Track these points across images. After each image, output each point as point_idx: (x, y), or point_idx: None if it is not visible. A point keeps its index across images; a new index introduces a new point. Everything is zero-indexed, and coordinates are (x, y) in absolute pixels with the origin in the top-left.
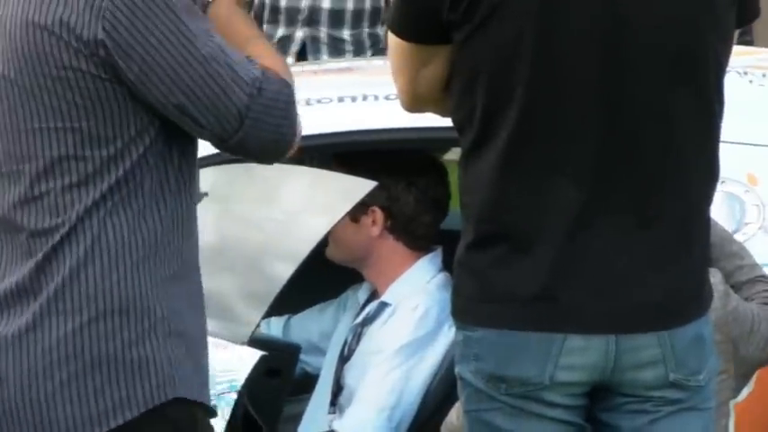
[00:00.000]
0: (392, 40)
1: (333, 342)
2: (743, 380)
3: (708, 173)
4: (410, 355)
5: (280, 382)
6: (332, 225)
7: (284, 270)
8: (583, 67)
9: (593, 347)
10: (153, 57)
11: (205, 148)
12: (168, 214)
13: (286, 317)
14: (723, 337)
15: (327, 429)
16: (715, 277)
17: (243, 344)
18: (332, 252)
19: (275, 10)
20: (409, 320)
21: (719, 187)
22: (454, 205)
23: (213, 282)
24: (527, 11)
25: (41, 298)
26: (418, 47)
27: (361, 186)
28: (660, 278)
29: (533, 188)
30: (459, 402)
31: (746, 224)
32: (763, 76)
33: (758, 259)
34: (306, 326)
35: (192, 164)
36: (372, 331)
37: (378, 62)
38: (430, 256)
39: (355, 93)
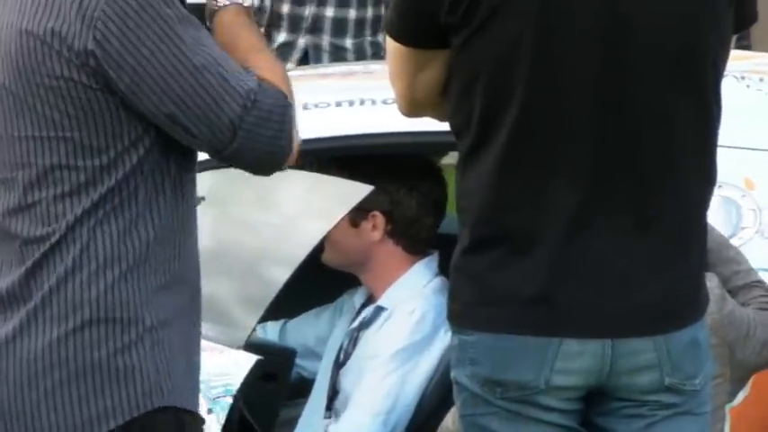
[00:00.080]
0: (390, 44)
1: (329, 347)
2: (739, 384)
3: (705, 176)
4: (406, 359)
5: (275, 387)
6: (330, 230)
7: (280, 274)
8: (583, 68)
9: (588, 352)
10: (144, 67)
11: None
12: (162, 223)
13: (282, 321)
14: (719, 341)
15: None
16: (711, 281)
17: (239, 348)
18: (329, 257)
19: (278, 16)
20: (405, 325)
21: (716, 191)
22: (450, 210)
23: (209, 286)
24: (527, 12)
25: (29, 305)
26: (416, 51)
27: (360, 191)
28: (657, 282)
29: (532, 190)
30: (455, 407)
31: (743, 228)
32: (761, 80)
33: (754, 263)
34: (302, 330)
35: (190, 173)
36: (368, 335)
37: (375, 66)
38: (426, 260)
39: (353, 97)
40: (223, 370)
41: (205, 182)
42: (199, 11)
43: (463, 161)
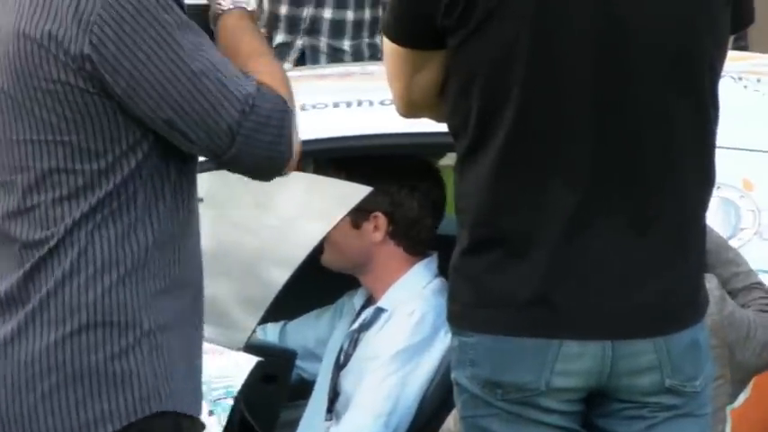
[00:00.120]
0: (387, 45)
1: (329, 348)
2: (739, 385)
3: (704, 177)
4: (406, 360)
5: (276, 388)
6: (331, 232)
7: (280, 276)
8: (580, 69)
9: (589, 353)
10: (140, 71)
11: None
12: (162, 228)
13: (282, 323)
14: (719, 342)
15: None
16: (711, 282)
17: (239, 350)
18: (329, 259)
19: (275, 17)
20: (405, 326)
21: (715, 192)
22: (449, 211)
23: (209, 287)
24: (523, 14)
25: (27, 308)
26: (413, 52)
27: (360, 192)
28: (657, 282)
29: (529, 191)
30: (456, 408)
31: (742, 230)
32: (758, 81)
33: (753, 265)
34: (302, 332)
35: (190, 178)
36: (369, 337)
37: (373, 68)
38: (426, 261)
39: (350, 98)
40: (224, 372)
41: (204, 183)
42: (200, 13)
43: (461, 162)
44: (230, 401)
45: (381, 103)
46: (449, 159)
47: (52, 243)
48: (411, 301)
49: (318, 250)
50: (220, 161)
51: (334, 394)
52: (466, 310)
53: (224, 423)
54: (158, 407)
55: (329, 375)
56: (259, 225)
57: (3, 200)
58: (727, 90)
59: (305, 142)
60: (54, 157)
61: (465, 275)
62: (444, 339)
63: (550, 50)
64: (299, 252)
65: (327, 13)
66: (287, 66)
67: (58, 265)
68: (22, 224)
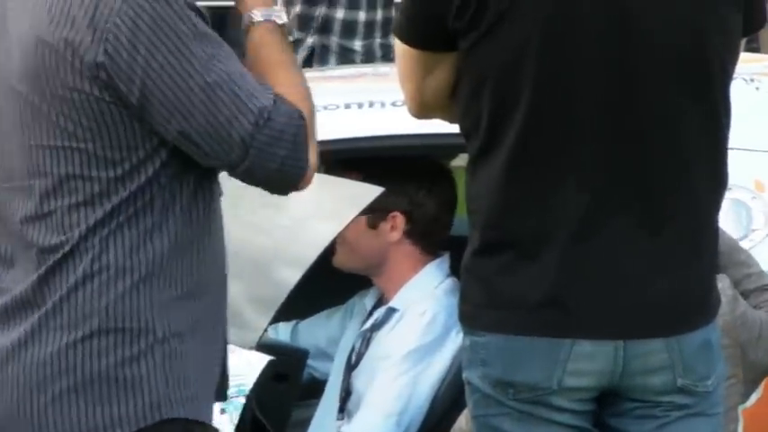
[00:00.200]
0: (399, 47)
1: (340, 348)
2: (752, 385)
3: (716, 179)
4: (418, 360)
5: (287, 387)
6: (346, 232)
7: (292, 275)
8: (591, 71)
9: (601, 353)
10: (154, 81)
11: None
12: (180, 233)
13: (294, 322)
14: (731, 342)
15: None
16: (723, 282)
17: (251, 349)
18: (342, 260)
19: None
20: (417, 326)
21: (726, 194)
22: (461, 212)
23: None
24: (534, 16)
25: (40, 311)
26: (425, 54)
27: (373, 193)
28: (668, 284)
29: (540, 193)
30: (467, 408)
31: (754, 231)
32: None
33: (765, 265)
34: (313, 331)
35: (212, 180)
36: (380, 337)
37: (385, 69)
38: (437, 261)
39: (362, 99)
40: (236, 370)
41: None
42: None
43: (472, 164)
44: (242, 400)
45: (393, 104)
46: (460, 160)
47: (67, 248)
48: (423, 301)
49: (329, 251)
50: (235, 174)
51: (346, 394)
52: (477, 311)
53: (236, 422)
54: (168, 413)
55: (341, 375)
56: (272, 225)
57: (21, 204)
58: (739, 91)
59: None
60: (71, 163)
61: (476, 276)
62: (456, 339)
63: (561, 52)
64: (310, 252)
65: (340, 14)
66: None
67: (73, 270)
68: (39, 229)
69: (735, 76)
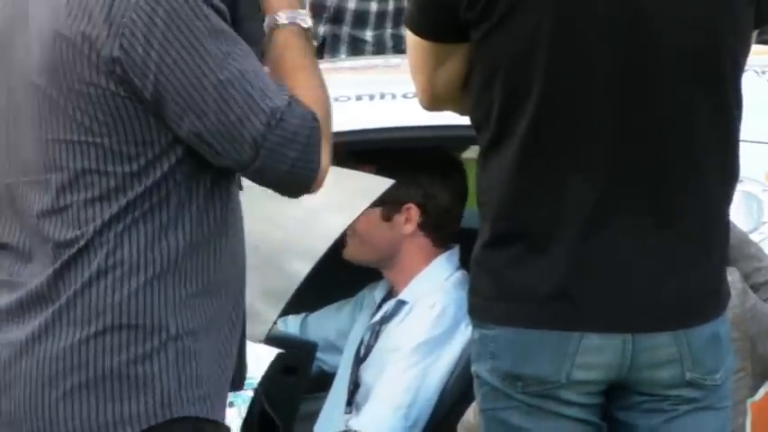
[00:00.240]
0: (411, 38)
1: (350, 340)
2: (760, 379)
3: (728, 173)
4: (427, 353)
5: (296, 380)
6: (358, 225)
7: (302, 268)
8: (602, 64)
9: (609, 346)
10: (167, 77)
11: None
12: (196, 230)
13: (303, 315)
14: (741, 335)
15: (344, 428)
16: (733, 275)
17: (260, 341)
18: (354, 252)
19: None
20: (426, 319)
21: (737, 186)
22: (471, 204)
23: None
24: (545, 8)
25: (54, 306)
26: (436, 45)
27: (384, 185)
28: (679, 278)
29: (551, 185)
30: (476, 401)
31: (764, 223)
32: None
33: None
34: (323, 324)
35: (229, 185)
36: (390, 329)
37: (396, 60)
38: (447, 253)
39: (373, 91)
40: None
41: None
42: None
43: (483, 155)
44: (250, 393)
45: (404, 95)
46: (471, 152)
47: (82, 243)
48: (432, 294)
49: (340, 244)
50: (246, 174)
51: (355, 386)
52: (487, 304)
53: (244, 414)
54: (179, 412)
55: (349, 367)
56: (283, 217)
57: (37, 198)
58: (750, 84)
59: None
60: (87, 157)
61: (486, 269)
62: (465, 332)
63: (573, 44)
64: (321, 244)
65: (352, 4)
66: None
67: (87, 265)
68: (55, 223)
69: (746, 68)
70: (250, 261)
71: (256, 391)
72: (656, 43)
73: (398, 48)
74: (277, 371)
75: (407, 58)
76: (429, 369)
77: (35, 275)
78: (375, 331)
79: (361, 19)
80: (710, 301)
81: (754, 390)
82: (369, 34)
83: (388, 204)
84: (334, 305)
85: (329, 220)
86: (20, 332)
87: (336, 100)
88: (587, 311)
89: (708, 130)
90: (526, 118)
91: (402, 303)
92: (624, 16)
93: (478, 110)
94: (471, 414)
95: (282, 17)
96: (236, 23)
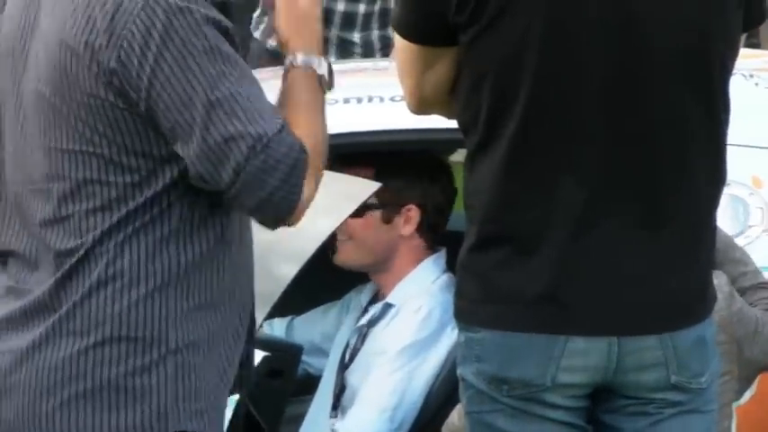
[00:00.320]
0: (398, 41)
1: (335, 344)
2: (746, 382)
3: (716, 176)
4: (413, 356)
5: (282, 383)
6: (356, 229)
7: (288, 271)
8: (592, 67)
9: (595, 349)
10: (158, 92)
11: None
12: (200, 243)
13: (289, 318)
14: (727, 338)
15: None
16: (720, 279)
17: None
18: (350, 257)
19: None
20: (412, 322)
21: (724, 189)
22: (458, 207)
23: None
24: (535, 10)
25: (54, 316)
26: (424, 49)
27: (371, 188)
28: (666, 281)
29: (539, 188)
30: (461, 404)
31: (750, 227)
32: None
33: (762, 262)
34: (308, 327)
35: None
36: (376, 332)
37: (384, 63)
38: (434, 256)
39: (361, 94)
40: None
41: None
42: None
43: (471, 159)
44: (236, 396)
45: (392, 99)
46: (459, 156)
47: (82, 252)
48: (419, 297)
49: (328, 248)
50: (226, 196)
51: (341, 389)
52: (473, 307)
53: (229, 417)
54: (175, 426)
55: (335, 371)
56: None
57: (40, 207)
58: (737, 87)
59: None
60: (88, 167)
61: (473, 272)
62: (451, 335)
63: (564, 47)
64: (307, 247)
65: (340, 6)
66: None
67: (88, 275)
68: (56, 232)
69: (734, 71)
70: None
71: (242, 393)
72: (649, 46)
73: (386, 49)
74: (263, 374)
75: (395, 62)
76: (415, 372)
77: (40, 284)
78: (362, 334)
79: (349, 21)
80: (697, 304)
81: (740, 393)
82: (356, 36)
83: (388, 206)
84: (321, 308)
85: (316, 223)
86: (21, 340)
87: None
88: (574, 314)
89: (697, 134)
90: (514, 120)
91: (389, 306)
92: (617, 19)
93: (466, 113)
94: (456, 416)
95: (298, 59)
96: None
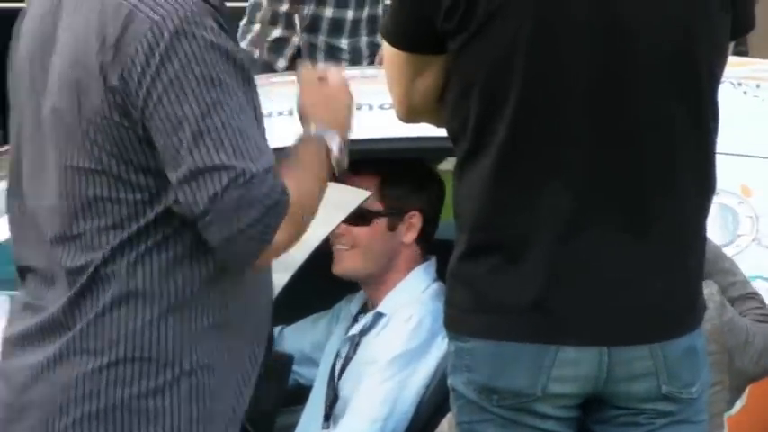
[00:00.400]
0: (387, 49)
1: (325, 353)
2: (736, 393)
3: (704, 184)
4: (403, 365)
5: (273, 393)
6: (357, 237)
7: (278, 280)
8: (580, 73)
9: (585, 359)
10: (151, 112)
11: None
12: (213, 264)
13: (279, 327)
14: (719, 348)
15: None
16: (711, 288)
17: None
18: (352, 266)
19: (274, 14)
20: (402, 331)
21: (713, 199)
22: (448, 216)
23: None
24: (523, 17)
25: (68, 334)
26: (413, 56)
27: (361, 196)
28: (654, 289)
29: (527, 195)
30: (452, 413)
31: (740, 236)
32: (758, 86)
33: (751, 271)
34: (299, 337)
35: None
36: (368, 341)
37: (372, 71)
38: (425, 265)
39: None
40: None
41: None
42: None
43: (460, 167)
44: None
45: (381, 107)
46: (448, 164)
47: (92, 270)
48: (409, 306)
49: (317, 255)
50: (198, 226)
51: (334, 399)
52: (463, 316)
53: None
54: None
55: (326, 380)
56: None
57: (51, 225)
58: (726, 96)
59: None
60: (99, 185)
61: (462, 280)
62: (441, 344)
63: (551, 51)
64: (297, 257)
65: (328, 12)
66: (282, 62)
67: (101, 294)
68: (67, 250)
69: (722, 80)
70: None
71: None
72: (633, 48)
73: (374, 56)
74: (253, 384)
75: (384, 71)
76: (406, 381)
77: (55, 301)
78: (354, 343)
79: (336, 27)
80: (687, 314)
81: (731, 403)
82: (344, 42)
83: (393, 214)
84: (311, 318)
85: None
86: (37, 357)
87: None
88: (565, 323)
89: (685, 139)
90: (504, 125)
91: (380, 315)
92: (601, 21)
93: (455, 121)
94: (446, 426)
95: (312, 130)
96: None
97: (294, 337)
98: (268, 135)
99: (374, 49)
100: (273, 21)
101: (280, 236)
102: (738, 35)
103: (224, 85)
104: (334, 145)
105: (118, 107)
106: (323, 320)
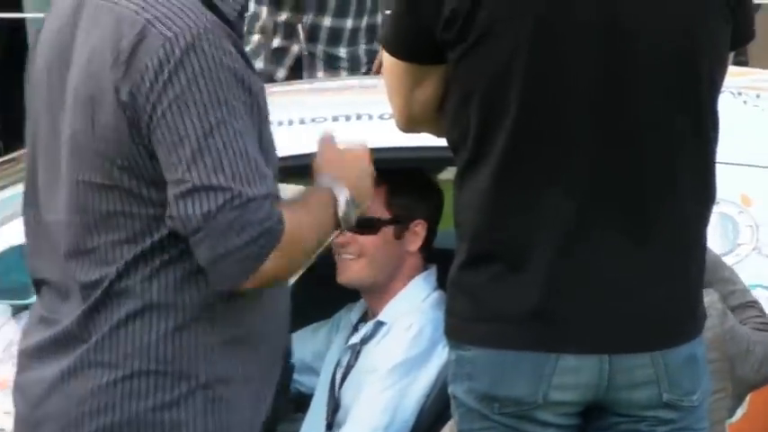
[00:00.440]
0: (387, 59)
1: (326, 362)
2: (738, 400)
3: (704, 193)
4: (404, 374)
5: (274, 402)
6: (364, 246)
7: None
8: (579, 83)
9: (586, 367)
10: (154, 126)
11: None
12: None
13: None
14: (720, 356)
15: None
16: (712, 296)
17: None
18: (358, 275)
19: (273, 23)
20: (403, 340)
21: (713, 208)
22: (448, 225)
23: None
24: (523, 27)
25: (83, 347)
26: (413, 66)
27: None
28: (654, 297)
29: (528, 204)
30: (453, 422)
31: (740, 245)
32: (758, 96)
33: (751, 280)
34: (299, 346)
35: None
36: (369, 350)
37: (372, 81)
38: (425, 274)
39: (349, 112)
40: None
41: None
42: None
43: (460, 176)
44: None
45: (381, 117)
46: (448, 173)
47: (106, 284)
48: (409, 315)
49: (317, 263)
50: (190, 243)
51: (335, 408)
52: (464, 324)
53: None
54: None
55: (327, 389)
56: None
57: (65, 240)
58: (726, 105)
59: (304, 156)
60: (111, 201)
61: (463, 289)
62: (442, 353)
63: (549, 63)
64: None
65: (327, 21)
66: (281, 72)
67: (116, 309)
68: (81, 264)
69: (722, 89)
70: None
71: None
72: (633, 48)
73: (372, 62)
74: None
75: (384, 81)
76: (406, 390)
77: (69, 314)
78: (355, 352)
79: (335, 36)
80: (688, 321)
81: (732, 411)
82: (343, 51)
83: (400, 222)
84: (311, 327)
85: None
86: (52, 370)
87: (313, 121)
88: (566, 331)
89: (684, 150)
90: (504, 134)
91: (380, 324)
92: (601, 22)
93: (455, 130)
94: None
95: (322, 180)
96: None
97: (294, 347)
98: None
99: (372, 56)
100: (273, 30)
101: (269, 264)
102: (738, 45)
103: (230, 106)
104: (342, 198)
105: (129, 122)
106: (323, 329)
